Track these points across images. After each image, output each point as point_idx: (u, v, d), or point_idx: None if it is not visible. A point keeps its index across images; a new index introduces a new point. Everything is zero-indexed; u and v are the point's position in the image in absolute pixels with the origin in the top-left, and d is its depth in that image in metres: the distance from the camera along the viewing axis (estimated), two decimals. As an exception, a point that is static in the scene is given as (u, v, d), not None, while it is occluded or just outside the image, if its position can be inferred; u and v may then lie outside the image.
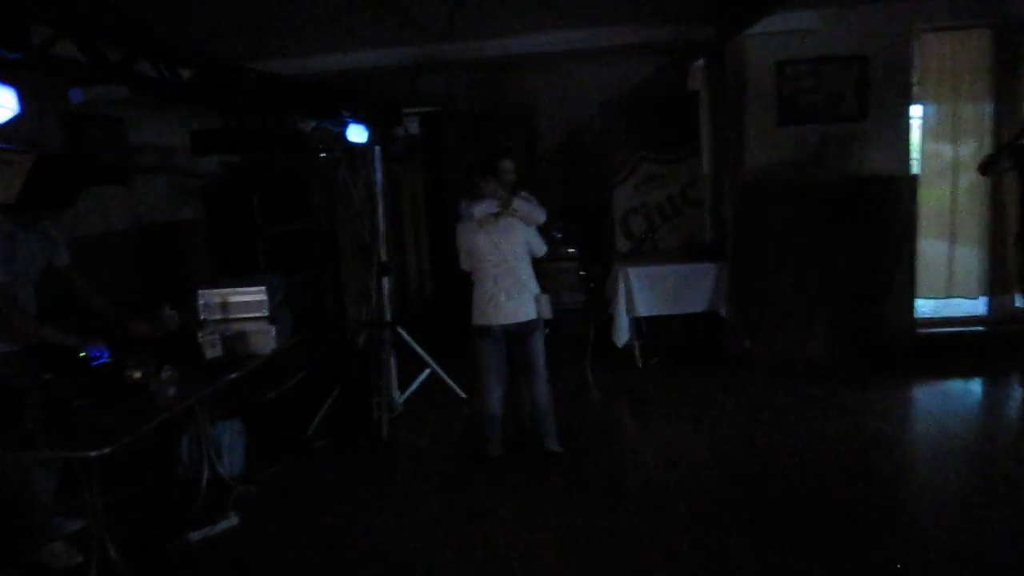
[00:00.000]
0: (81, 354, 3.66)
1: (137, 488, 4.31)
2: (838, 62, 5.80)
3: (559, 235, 7.66)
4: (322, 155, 5.54)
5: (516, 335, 4.38)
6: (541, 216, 4.44)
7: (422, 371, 5.82)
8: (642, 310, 6.17)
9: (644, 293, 6.15)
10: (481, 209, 4.31)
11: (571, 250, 7.70)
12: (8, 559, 3.66)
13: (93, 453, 2.83)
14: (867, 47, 5.75)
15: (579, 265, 7.06)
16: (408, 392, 5.68)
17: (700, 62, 6.98)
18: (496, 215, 4.31)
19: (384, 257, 5.44)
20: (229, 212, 6.41)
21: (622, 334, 6.16)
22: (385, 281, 5.46)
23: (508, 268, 4.30)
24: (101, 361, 3.62)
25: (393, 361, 5.51)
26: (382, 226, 5.43)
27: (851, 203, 5.91)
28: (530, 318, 4.33)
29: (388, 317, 5.47)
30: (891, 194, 5.89)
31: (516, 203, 4.33)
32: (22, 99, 2.33)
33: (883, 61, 5.76)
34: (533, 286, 4.39)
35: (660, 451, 4.70)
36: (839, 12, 5.63)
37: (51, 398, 3.24)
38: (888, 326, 6.01)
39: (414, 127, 7.22)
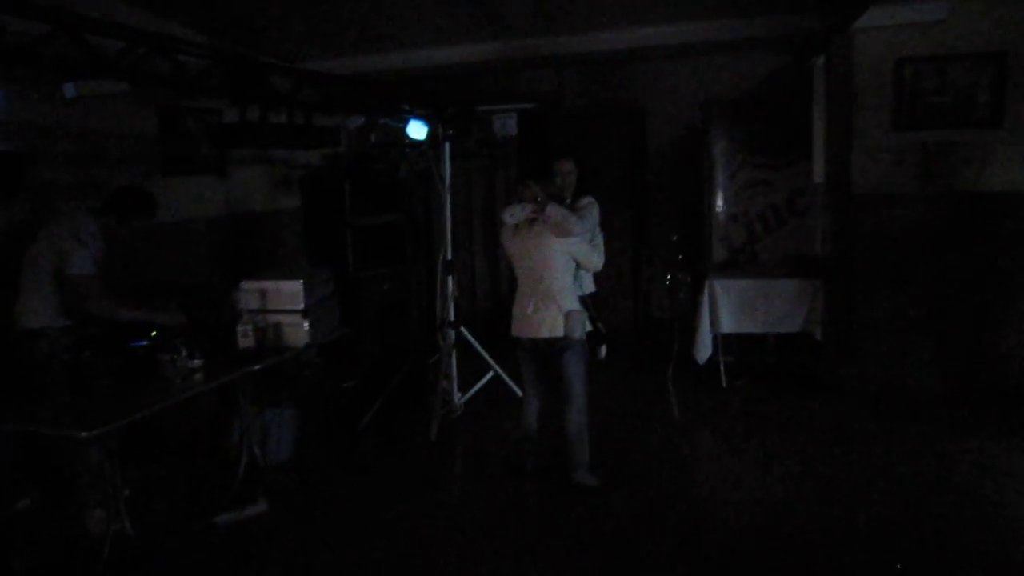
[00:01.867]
0: (153, 332, 3.90)
1: (185, 467, 4.51)
2: (970, 59, 5.08)
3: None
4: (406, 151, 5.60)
5: (545, 351, 4.11)
6: (575, 227, 3.96)
7: (487, 373, 5.71)
8: (726, 326, 5.73)
9: (730, 308, 5.70)
10: (511, 214, 4.03)
11: (680, 256, 7.33)
12: (55, 521, 3.92)
13: (84, 434, 2.95)
14: (1007, 42, 4.99)
15: (667, 273, 6.68)
16: (469, 394, 5.59)
17: (820, 59, 6.37)
18: (531, 221, 4.03)
19: (449, 255, 5.38)
20: (322, 203, 6.59)
21: (703, 350, 5.75)
22: (449, 280, 5.40)
23: (537, 278, 4.02)
24: (137, 343, 3.80)
25: (454, 361, 5.45)
26: (449, 224, 5.37)
27: (974, 221, 5.18)
28: (555, 335, 3.99)
29: (451, 316, 5.40)
30: (1026, 212, 5.10)
31: (549, 209, 3.92)
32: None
33: (1026, 59, 4.99)
34: (566, 301, 4.01)
35: (716, 485, 4.34)
36: (972, 2, 4.92)
37: (78, 375, 3.43)
38: (1011, 363, 5.22)
39: (510, 124, 7.13)
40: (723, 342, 5.89)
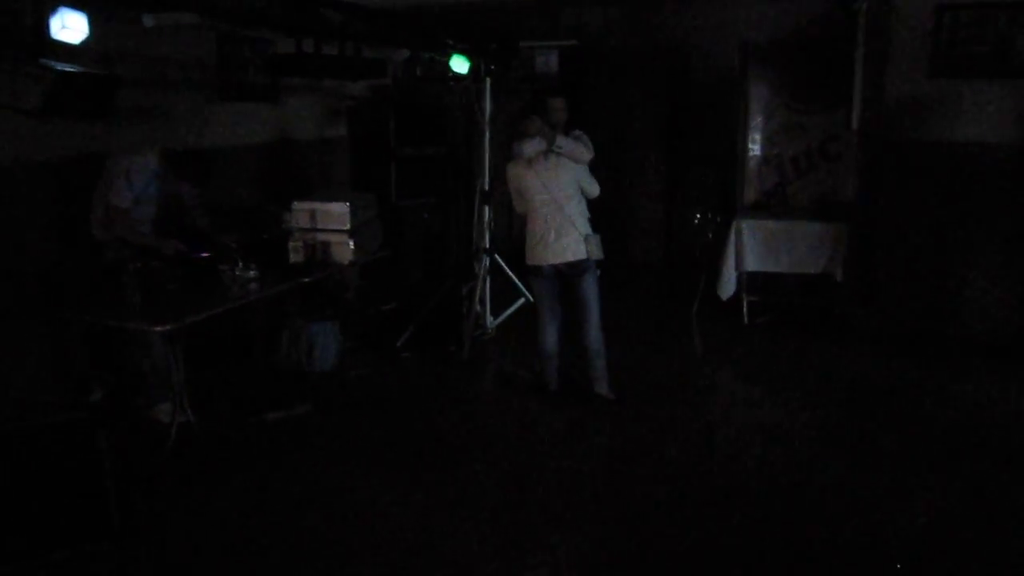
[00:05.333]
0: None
1: (241, 370, 4.97)
2: (1012, 8, 5.09)
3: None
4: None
5: (567, 275, 4.42)
6: (586, 155, 4.35)
7: (518, 299, 6.02)
8: (750, 265, 5.94)
9: (755, 247, 5.90)
10: (531, 147, 4.32)
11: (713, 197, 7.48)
12: (126, 412, 4.39)
13: (157, 328, 3.36)
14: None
15: (697, 212, 6.86)
16: (500, 318, 5.93)
17: (863, 3, 6.36)
18: (544, 153, 4.31)
19: (487, 186, 5.65)
20: (368, 133, 6.87)
21: (727, 287, 5.98)
22: (486, 209, 5.68)
23: (556, 207, 4.31)
24: (200, 255, 4.19)
25: (488, 287, 5.77)
26: (488, 156, 5.62)
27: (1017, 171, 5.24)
28: (579, 258, 4.32)
29: (486, 244, 5.71)
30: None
31: (560, 141, 4.26)
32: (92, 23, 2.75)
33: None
34: (583, 225, 4.36)
35: (724, 412, 4.62)
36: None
37: (148, 280, 3.83)
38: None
39: (552, 61, 7.29)
40: (747, 281, 6.11)
